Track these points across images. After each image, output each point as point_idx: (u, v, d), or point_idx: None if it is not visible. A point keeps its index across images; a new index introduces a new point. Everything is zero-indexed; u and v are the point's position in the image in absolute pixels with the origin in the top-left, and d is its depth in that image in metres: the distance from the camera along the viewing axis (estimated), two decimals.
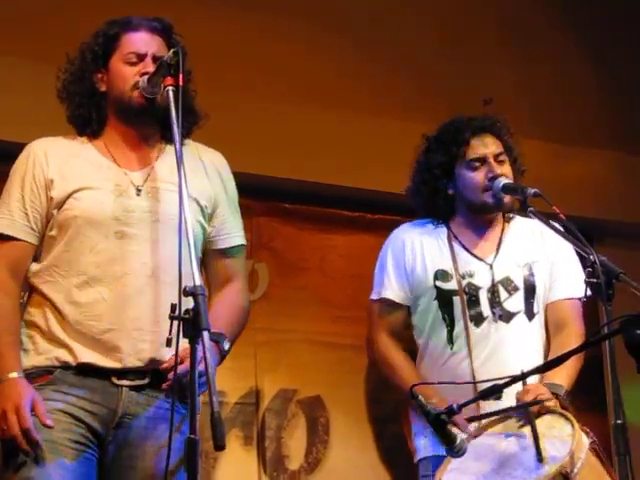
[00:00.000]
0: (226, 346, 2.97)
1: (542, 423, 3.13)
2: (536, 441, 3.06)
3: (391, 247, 3.67)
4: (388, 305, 3.63)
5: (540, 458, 3.02)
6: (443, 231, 3.64)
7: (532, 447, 3.07)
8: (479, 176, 3.55)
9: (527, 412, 3.18)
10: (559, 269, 3.59)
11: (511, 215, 3.66)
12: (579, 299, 3.54)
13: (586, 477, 2.95)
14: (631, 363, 2.49)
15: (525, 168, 3.69)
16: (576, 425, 3.06)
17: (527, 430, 3.15)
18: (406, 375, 3.51)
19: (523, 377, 2.94)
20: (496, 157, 3.57)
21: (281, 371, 5.20)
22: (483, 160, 3.56)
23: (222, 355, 2.97)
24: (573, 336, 3.49)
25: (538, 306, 3.56)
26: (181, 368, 2.70)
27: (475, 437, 3.21)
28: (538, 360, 3.46)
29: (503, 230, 3.63)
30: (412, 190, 3.72)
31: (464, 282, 3.53)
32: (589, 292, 3.13)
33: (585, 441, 3.05)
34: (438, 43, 5.80)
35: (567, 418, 3.11)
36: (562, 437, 3.06)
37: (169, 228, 2.93)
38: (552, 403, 3.23)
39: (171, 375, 2.73)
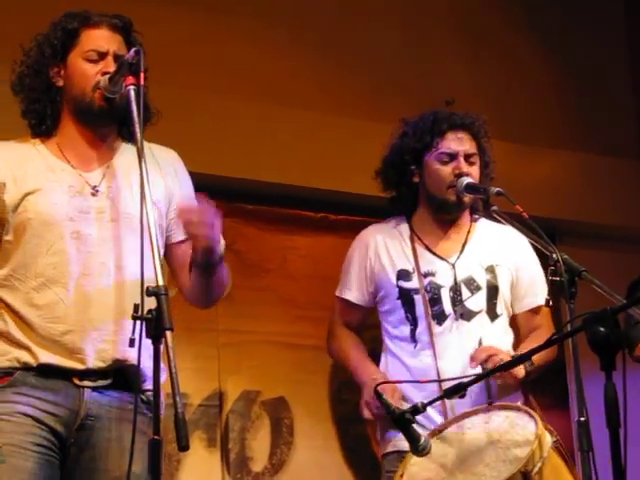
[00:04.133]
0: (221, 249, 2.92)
1: (506, 420, 3.13)
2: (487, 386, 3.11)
3: (357, 249, 3.71)
4: (348, 304, 3.68)
5: (490, 402, 3.10)
6: (406, 231, 3.65)
7: (494, 444, 3.08)
8: (446, 170, 3.55)
9: (482, 368, 3.21)
10: (528, 278, 3.61)
11: (477, 216, 3.67)
12: (548, 306, 3.54)
13: (547, 477, 2.96)
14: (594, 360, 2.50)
15: (494, 175, 3.68)
16: (540, 423, 3.05)
17: (489, 427, 3.16)
18: (353, 359, 3.62)
19: (487, 375, 2.95)
20: (467, 157, 3.57)
21: (244, 372, 5.19)
22: (454, 156, 3.56)
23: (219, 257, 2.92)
24: (544, 335, 3.50)
25: (502, 308, 3.57)
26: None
27: (440, 431, 3.22)
28: None
29: (469, 231, 3.64)
30: (381, 171, 3.73)
31: (425, 281, 3.55)
32: (549, 301, 3.19)
33: (548, 440, 3.05)
34: (399, 43, 5.82)
35: (531, 416, 3.12)
36: (525, 435, 3.06)
37: (127, 227, 2.91)
38: (505, 356, 3.27)
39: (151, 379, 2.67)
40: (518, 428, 3.11)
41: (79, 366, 2.85)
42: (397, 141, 3.68)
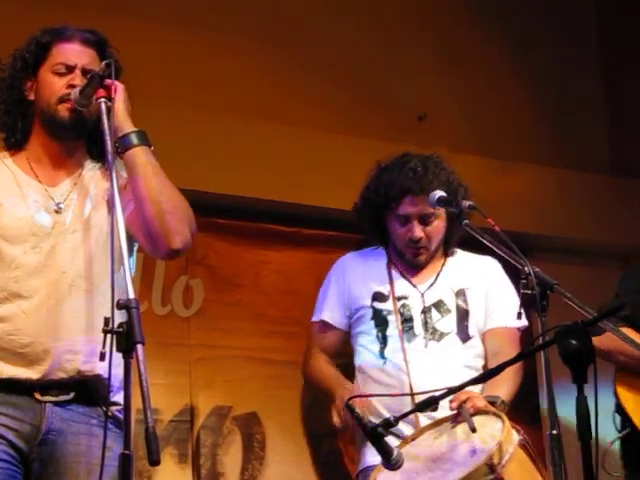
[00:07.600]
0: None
1: (475, 422, 3.21)
2: (470, 422, 3.14)
3: (334, 274, 3.84)
4: (324, 326, 3.77)
5: (474, 429, 3.13)
6: (383, 259, 3.78)
7: (462, 444, 3.12)
8: (403, 231, 3.69)
9: (462, 410, 3.25)
10: (495, 299, 3.68)
11: (453, 250, 3.75)
12: (517, 328, 3.60)
13: (514, 471, 3.03)
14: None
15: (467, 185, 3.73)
16: (506, 422, 3.13)
17: (459, 430, 3.22)
18: (326, 375, 3.69)
19: (459, 388, 2.96)
20: (422, 218, 3.62)
21: (216, 388, 5.16)
22: (408, 218, 3.64)
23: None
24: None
25: (474, 330, 3.63)
26: None
27: (413, 439, 3.29)
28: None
29: (443, 264, 3.72)
30: (356, 210, 3.84)
31: (399, 303, 3.64)
32: (524, 321, 3.21)
33: (515, 437, 3.13)
34: (375, 58, 5.83)
35: (499, 416, 3.20)
36: (492, 433, 3.14)
37: (93, 240, 2.91)
38: (482, 403, 3.29)
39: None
40: (486, 428, 3.19)
41: (39, 376, 2.83)
42: (365, 192, 3.78)
